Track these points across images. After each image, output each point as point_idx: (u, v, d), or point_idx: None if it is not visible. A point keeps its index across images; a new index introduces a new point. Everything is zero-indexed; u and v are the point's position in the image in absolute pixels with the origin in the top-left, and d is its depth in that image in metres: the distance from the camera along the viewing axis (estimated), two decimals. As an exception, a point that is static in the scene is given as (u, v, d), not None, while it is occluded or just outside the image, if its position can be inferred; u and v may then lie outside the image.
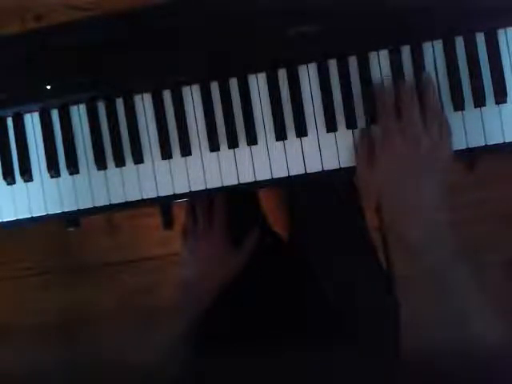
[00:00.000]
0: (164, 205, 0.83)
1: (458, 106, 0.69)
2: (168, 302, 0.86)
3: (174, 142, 0.73)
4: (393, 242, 0.66)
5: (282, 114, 0.72)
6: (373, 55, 0.71)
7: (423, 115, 0.67)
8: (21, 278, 1.45)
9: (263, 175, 0.73)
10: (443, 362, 0.56)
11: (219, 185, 0.73)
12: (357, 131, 0.71)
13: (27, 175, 0.75)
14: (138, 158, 0.74)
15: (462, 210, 1.25)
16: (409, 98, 0.67)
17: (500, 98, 0.69)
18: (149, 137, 0.74)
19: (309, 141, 0.72)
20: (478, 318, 0.58)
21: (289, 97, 0.72)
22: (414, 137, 0.66)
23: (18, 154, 0.76)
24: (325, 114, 0.71)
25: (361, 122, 0.71)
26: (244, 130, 0.72)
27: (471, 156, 0.72)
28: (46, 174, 0.76)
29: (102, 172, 0.75)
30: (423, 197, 0.65)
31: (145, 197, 0.74)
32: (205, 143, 0.73)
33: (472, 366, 0.54)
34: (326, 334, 0.75)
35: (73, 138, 0.75)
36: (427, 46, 0.70)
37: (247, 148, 0.73)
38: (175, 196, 0.74)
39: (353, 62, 0.71)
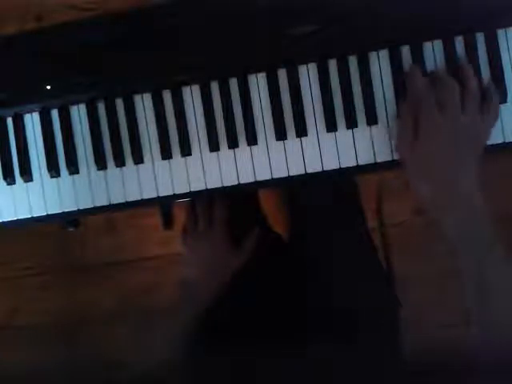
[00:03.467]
0: (164, 205, 0.83)
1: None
2: (168, 301, 0.86)
3: (174, 142, 0.73)
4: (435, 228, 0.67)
5: (282, 113, 0.72)
6: (373, 55, 0.71)
7: (463, 99, 0.66)
8: (21, 278, 1.45)
9: (263, 175, 0.73)
10: (443, 362, 0.56)
11: (219, 185, 0.73)
12: (358, 129, 0.71)
13: (27, 175, 0.75)
14: (138, 158, 0.74)
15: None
16: (448, 82, 0.67)
17: (500, 97, 0.69)
18: (149, 137, 0.74)
19: (309, 141, 0.72)
20: None
21: (289, 97, 0.72)
22: (455, 120, 0.65)
23: (18, 154, 0.76)
24: (325, 114, 0.71)
25: (361, 122, 0.71)
26: (244, 130, 0.72)
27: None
28: (46, 174, 0.76)
29: (101, 172, 0.75)
30: (461, 182, 0.65)
31: (145, 197, 0.74)
32: (205, 143, 0.73)
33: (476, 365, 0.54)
34: (326, 334, 0.75)
35: (73, 137, 0.75)
36: (427, 46, 0.70)
37: (247, 148, 0.73)
38: (175, 196, 0.74)
39: (353, 61, 0.71)
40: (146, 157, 0.74)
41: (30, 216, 0.76)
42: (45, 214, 0.76)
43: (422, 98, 0.67)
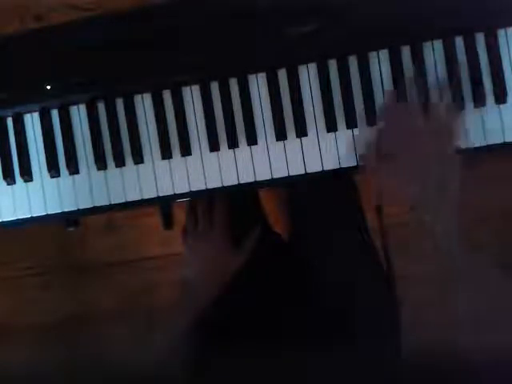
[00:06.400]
0: (164, 205, 0.83)
1: (458, 105, 0.69)
2: (168, 301, 0.86)
3: (174, 141, 0.73)
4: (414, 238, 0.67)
5: (282, 113, 0.72)
6: (373, 55, 0.71)
7: (427, 113, 0.67)
8: (21, 278, 1.45)
9: (263, 175, 0.73)
10: (443, 362, 0.56)
11: (219, 185, 0.73)
12: (357, 131, 0.71)
13: (27, 175, 0.75)
14: (138, 158, 0.74)
15: (462, 209, 1.25)
16: (413, 99, 0.68)
17: (500, 97, 0.69)
18: (149, 137, 0.74)
19: (309, 141, 0.72)
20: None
21: (289, 97, 0.72)
22: (417, 131, 0.66)
23: (18, 154, 0.76)
24: (325, 114, 0.71)
25: (361, 122, 0.71)
26: (244, 130, 0.72)
27: (471, 156, 0.72)
28: (46, 174, 0.76)
29: (101, 172, 0.75)
30: (433, 189, 0.66)
31: (145, 197, 0.74)
32: (205, 143, 0.73)
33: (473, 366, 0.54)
34: (326, 334, 0.75)
35: (73, 138, 0.75)
36: (427, 46, 0.70)
37: (247, 148, 0.73)
38: (175, 196, 0.74)
39: (353, 61, 0.71)
40: (146, 157, 0.74)
41: (29, 216, 0.76)
42: (45, 213, 0.76)
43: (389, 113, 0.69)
